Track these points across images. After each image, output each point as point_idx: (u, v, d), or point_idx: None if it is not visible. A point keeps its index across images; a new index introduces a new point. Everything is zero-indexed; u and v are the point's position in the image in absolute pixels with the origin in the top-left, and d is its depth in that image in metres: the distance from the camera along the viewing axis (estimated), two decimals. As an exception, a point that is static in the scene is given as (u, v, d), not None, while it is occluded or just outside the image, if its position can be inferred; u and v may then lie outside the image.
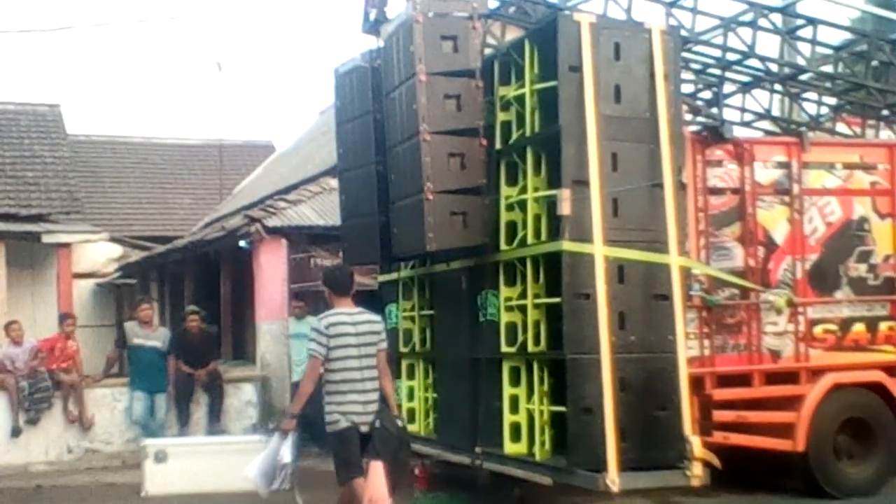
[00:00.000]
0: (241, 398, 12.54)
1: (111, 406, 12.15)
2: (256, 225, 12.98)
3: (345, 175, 9.57)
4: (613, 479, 6.95)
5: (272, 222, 13.10)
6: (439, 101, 7.55)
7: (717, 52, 9.21)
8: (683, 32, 8.65)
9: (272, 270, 12.88)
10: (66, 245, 16.19)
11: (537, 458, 7.63)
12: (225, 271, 15.01)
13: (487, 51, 8.51)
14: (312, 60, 53.83)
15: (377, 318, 7.18)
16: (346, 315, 6.85)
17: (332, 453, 6.88)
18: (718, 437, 8.27)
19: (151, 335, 12.01)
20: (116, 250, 19.70)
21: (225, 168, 24.07)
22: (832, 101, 10.64)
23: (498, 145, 8.08)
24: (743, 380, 8.73)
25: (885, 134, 10.84)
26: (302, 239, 13.10)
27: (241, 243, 13.41)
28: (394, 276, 9.89)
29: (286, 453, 6.86)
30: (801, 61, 9.78)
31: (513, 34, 8.73)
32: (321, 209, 13.37)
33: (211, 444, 10.81)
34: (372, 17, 8.75)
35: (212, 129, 37.32)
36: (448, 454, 8.85)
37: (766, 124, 10.46)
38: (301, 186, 14.73)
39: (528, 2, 8.83)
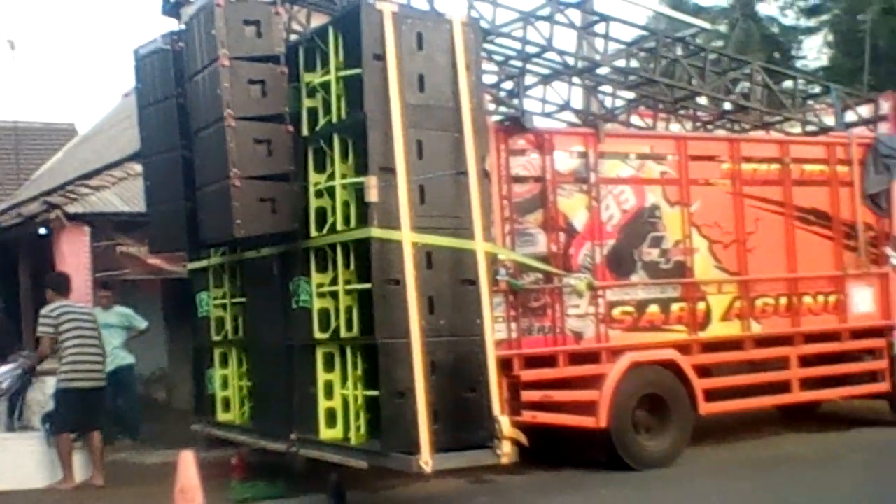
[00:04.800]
0: (45, 391, 11.90)
1: None
2: (57, 211, 12.42)
3: (149, 160, 9.32)
4: (427, 460, 7.08)
5: (74, 209, 12.54)
6: (243, 87, 7.47)
7: (518, 45, 9.50)
8: (484, 24, 8.88)
9: (75, 259, 12.32)
10: None
11: (353, 442, 7.67)
12: (24, 260, 14.26)
13: (293, 37, 8.50)
14: (114, 39, 51.13)
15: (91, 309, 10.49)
16: (70, 306, 9.70)
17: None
18: (527, 416, 8.61)
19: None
20: None
21: (22, 152, 22.63)
22: (628, 94, 11.18)
23: (305, 132, 8.06)
24: (549, 361, 9.07)
25: (676, 126, 11.52)
26: (106, 226, 12.60)
27: (41, 231, 12.79)
28: (203, 263, 9.75)
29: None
30: (598, 56, 10.22)
31: (318, 21, 8.71)
32: (126, 195, 12.87)
33: (10, 439, 10.23)
34: (172, -2, 8.58)
35: (6, 111, 35.05)
36: (264, 442, 8.79)
37: (569, 115, 10.87)
38: (104, 171, 14.03)
39: (333, -11, 8.85)
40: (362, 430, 7.65)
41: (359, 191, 7.50)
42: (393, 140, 7.38)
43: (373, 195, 7.34)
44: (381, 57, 7.43)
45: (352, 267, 7.67)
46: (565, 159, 9.27)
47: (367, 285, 7.45)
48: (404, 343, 7.25)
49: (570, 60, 9.91)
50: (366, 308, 7.50)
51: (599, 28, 9.92)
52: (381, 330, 7.35)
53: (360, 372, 7.65)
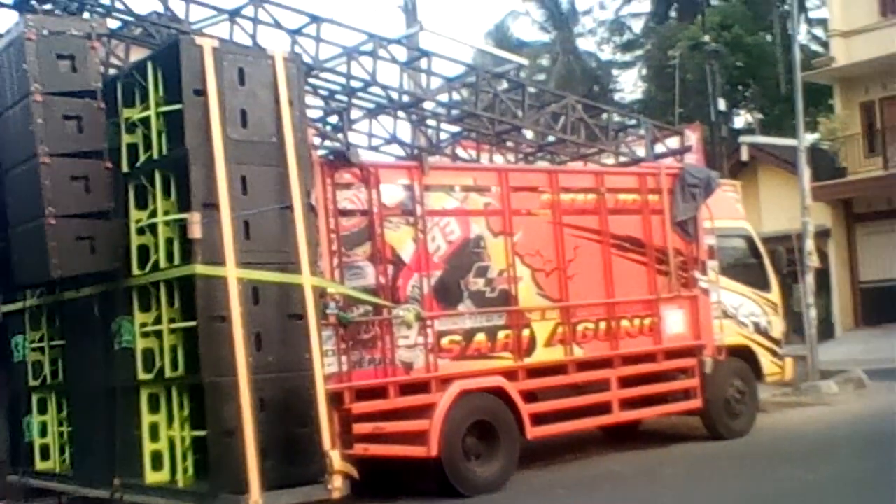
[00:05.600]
0: None
1: None
2: None
3: (-44, 199, 8.92)
4: (256, 499, 7.04)
5: None
6: (58, 122, 7.33)
7: (343, 80, 9.60)
8: (307, 60, 8.95)
9: None
10: None
11: (180, 485, 7.55)
12: None
13: (111, 71, 8.34)
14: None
15: None
16: None
17: None
18: (359, 448, 8.61)
19: None
20: None
21: None
22: (452, 127, 11.45)
23: (125, 168, 7.92)
24: (380, 392, 9.11)
25: (499, 158, 11.86)
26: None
27: None
28: (19, 305, 9.44)
29: None
30: (421, 91, 10.43)
31: (137, 55, 8.59)
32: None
33: None
34: (-20, 31, 8.23)
35: None
36: (86, 489, 8.57)
37: (395, 149, 11.03)
38: None
39: (152, 24, 8.73)
40: (190, 471, 7.54)
41: (182, 227, 7.43)
42: (216, 175, 7.34)
43: (196, 231, 7.27)
44: (201, 92, 7.41)
45: (176, 305, 7.57)
46: (391, 192, 9.38)
47: (193, 323, 7.37)
48: (231, 381, 7.19)
49: (395, 95, 10.10)
50: (191, 346, 7.42)
51: (423, 63, 10.14)
52: (208, 368, 7.28)
53: (186, 412, 7.55)
